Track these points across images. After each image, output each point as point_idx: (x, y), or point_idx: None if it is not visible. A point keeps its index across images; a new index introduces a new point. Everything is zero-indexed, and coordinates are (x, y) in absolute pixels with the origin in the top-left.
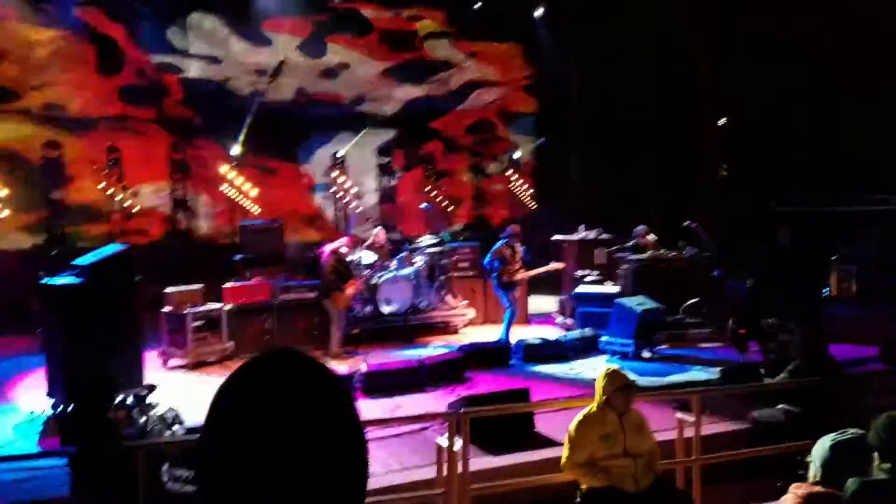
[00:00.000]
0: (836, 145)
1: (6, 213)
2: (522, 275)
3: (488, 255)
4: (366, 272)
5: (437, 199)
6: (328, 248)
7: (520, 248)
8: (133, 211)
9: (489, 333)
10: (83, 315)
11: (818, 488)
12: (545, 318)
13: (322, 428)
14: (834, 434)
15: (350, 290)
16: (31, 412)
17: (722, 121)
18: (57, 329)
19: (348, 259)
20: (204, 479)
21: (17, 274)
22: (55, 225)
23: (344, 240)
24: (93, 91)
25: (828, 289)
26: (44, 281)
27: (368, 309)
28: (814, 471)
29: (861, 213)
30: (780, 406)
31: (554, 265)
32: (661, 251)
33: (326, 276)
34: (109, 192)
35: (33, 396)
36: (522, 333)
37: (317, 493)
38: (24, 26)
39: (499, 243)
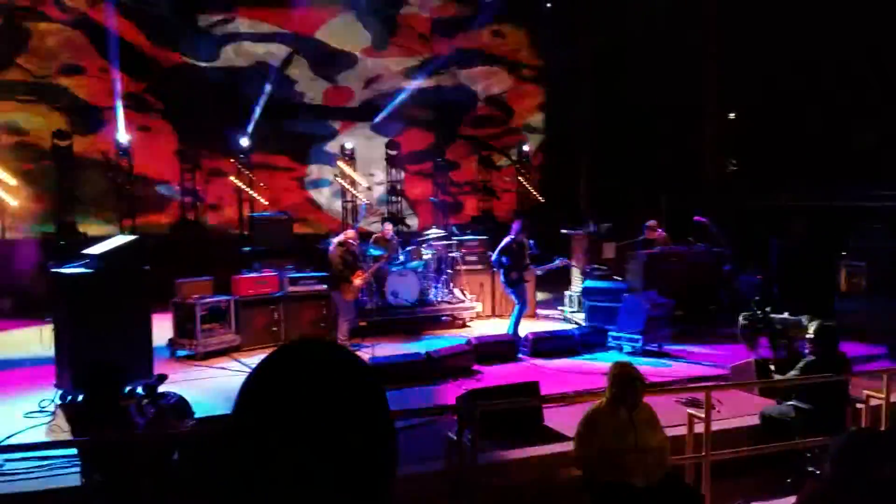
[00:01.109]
0: (845, 140)
1: (16, 202)
2: (531, 272)
3: (496, 253)
4: (373, 264)
5: (446, 192)
6: (335, 239)
7: (528, 243)
8: (143, 201)
9: (497, 327)
10: (93, 305)
11: (831, 486)
12: (553, 313)
13: (352, 418)
14: (848, 431)
15: (358, 280)
16: (41, 401)
17: (731, 115)
18: (66, 318)
19: (356, 250)
20: (232, 465)
21: (27, 263)
22: (65, 215)
23: (350, 231)
24: (103, 81)
25: (837, 284)
26: (54, 270)
27: (376, 301)
28: (827, 468)
29: (871, 208)
30: (791, 402)
31: (560, 262)
32: (671, 245)
33: (335, 267)
34: (119, 182)
35: (43, 385)
36: (531, 327)
37: (346, 483)
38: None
39: (506, 240)
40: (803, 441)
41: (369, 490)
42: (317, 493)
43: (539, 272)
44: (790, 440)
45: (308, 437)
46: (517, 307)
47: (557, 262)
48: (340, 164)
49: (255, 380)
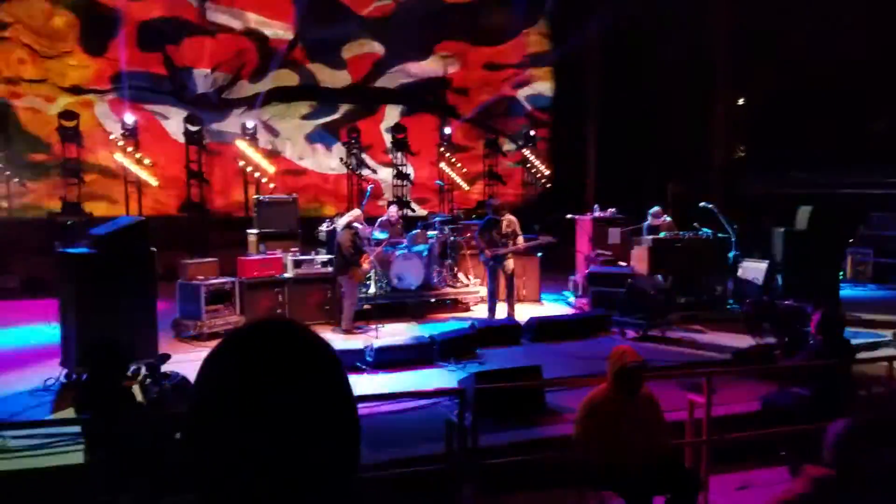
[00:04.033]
0: (856, 127)
1: (23, 182)
2: (509, 248)
3: (478, 230)
4: (378, 248)
5: (452, 177)
6: (342, 221)
7: (507, 221)
8: (149, 182)
9: (500, 311)
10: (98, 285)
11: (831, 472)
12: (557, 298)
13: (312, 399)
14: (849, 417)
15: (366, 264)
16: (46, 380)
17: (740, 101)
18: (72, 298)
19: (362, 234)
20: (192, 449)
21: (33, 243)
22: (71, 195)
23: (357, 213)
24: (109, 62)
25: (843, 271)
26: (60, 250)
27: (381, 285)
28: (827, 454)
29: (877, 195)
30: (793, 389)
31: (543, 238)
32: (677, 231)
33: (346, 251)
34: (125, 163)
35: (48, 364)
36: (534, 312)
37: (307, 465)
38: None
39: (486, 217)
40: (805, 427)
41: (333, 473)
42: (278, 477)
43: (515, 246)
44: (792, 426)
45: (266, 418)
46: (489, 285)
47: (541, 239)
48: (346, 146)
49: (212, 361)
